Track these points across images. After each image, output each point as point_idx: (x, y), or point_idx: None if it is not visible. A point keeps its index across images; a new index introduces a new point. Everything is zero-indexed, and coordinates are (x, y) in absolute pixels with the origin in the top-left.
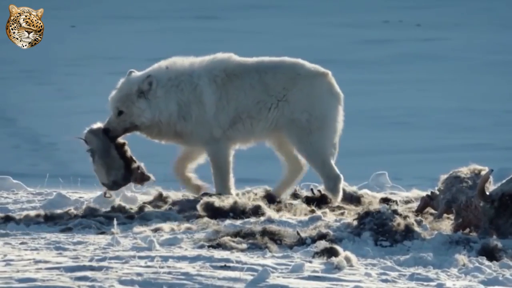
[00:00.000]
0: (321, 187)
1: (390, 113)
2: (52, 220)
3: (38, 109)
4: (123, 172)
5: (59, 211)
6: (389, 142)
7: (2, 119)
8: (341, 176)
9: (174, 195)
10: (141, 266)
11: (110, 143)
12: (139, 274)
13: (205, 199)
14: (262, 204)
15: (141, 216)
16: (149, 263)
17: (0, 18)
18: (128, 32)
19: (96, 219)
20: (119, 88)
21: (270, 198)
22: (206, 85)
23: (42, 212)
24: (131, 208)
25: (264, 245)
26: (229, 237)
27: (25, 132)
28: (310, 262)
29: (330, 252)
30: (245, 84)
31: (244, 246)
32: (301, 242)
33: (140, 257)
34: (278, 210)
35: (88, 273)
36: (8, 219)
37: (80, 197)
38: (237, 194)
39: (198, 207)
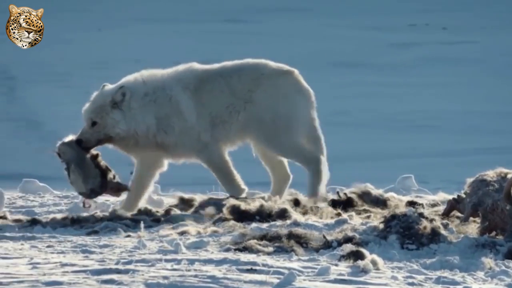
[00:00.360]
0: (347, 190)
1: (417, 116)
2: (79, 223)
3: (65, 112)
4: (99, 179)
5: (85, 214)
6: (415, 145)
7: (29, 122)
8: (320, 156)
9: (200, 198)
10: (167, 269)
11: (84, 153)
12: (165, 277)
13: (231, 202)
14: (288, 207)
15: (167, 219)
16: (176, 266)
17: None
18: (155, 35)
19: (122, 222)
20: (92, 100)
21: (296, 201)
22: (180, 94)
23: (68, 215)
24: (158, 211)
25: (290, 248)
26: (255, 240)
27: (51, 135)
28: (336, 265)
29: (356, 255)
30: (214, 90)
31: (270, 249)
32: (327, 245)
33: (167, 260)
34: (304, 213)
35: (114, 276)
36: (34, 222)
37: (106, 200)
38: (263, 197)
39: (224, 210)
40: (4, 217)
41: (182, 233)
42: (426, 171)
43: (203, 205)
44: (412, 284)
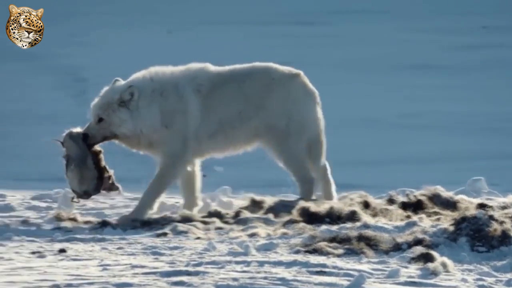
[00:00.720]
0: (417, 192)
1: (487, 118)
2: (149, 225)
3: None
4: (95, 182)
5: (155, 216)
6: (486, 147)
7: None
8: (315, 178)
9: (270, 200)
10: (237, 271)
11: (88, 152)
12: (235, 279)
13: (302, 204)
14: (358, 210)
15: (237, 221)
16: (245, 268)
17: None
18: (225, 38)
19: (192, 224)
20: (102, 95)
21: (366, 203)
22: (191, 95)
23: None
24: (227, 213)
25: (360, 251)
26: (325, 242)
27: None
28: (406, 267)
29: (426, 258)
30: (227, 95)
31: (340, 251)
32: (397, 248)
33: (236, 262)
34: (374, 216)
35: (184, 278)
36: (105, 224)
37: (176, 202)
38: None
39: (294, 212)
40: (74, 219)
41: (252, 235)
42: (497, 173)
43: (273, 207)
44: (482, 286)
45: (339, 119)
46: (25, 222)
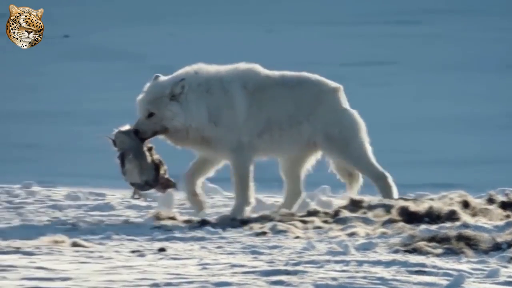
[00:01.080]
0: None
1: None
2: (248, 224)
3: None
4: (154, 173)
5: (254, 215)
6: None
7: None
8: (387, 173)
9: (369, 199)
10: (336, 271)
11: (141, 144)
12: (334, 279)
13: (400, 203)
14: (458, 209)
15: (336, 221)
16: (344, 268)
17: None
18: (323, 38)
19: (291, 223)
20: (148, 90)
21: (465, 203)
22: (237, 90)
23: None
24: (326, 213)
25: (459, 250)
26: (424, 242)
27: None
28: (506, 267)
29: None
30: (277, 97)
31: (440, 251)
32: (497, 247)
33: (335, 262)
34: (474, 215)
35: (283, 277)
36: (204, 223)
37: (276, 202)
38: (432, 199)
39: (393, 211)
40: (174, 218)
41: (351, 235)
42: None
43: (372, 206)
44: None
45: (441, 118)
46: (125, 221)
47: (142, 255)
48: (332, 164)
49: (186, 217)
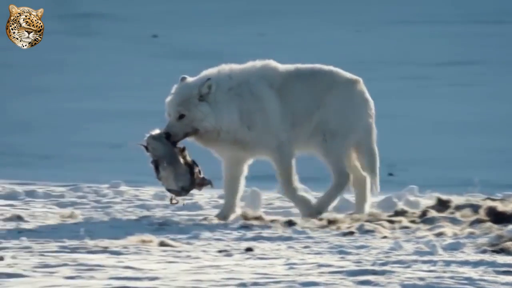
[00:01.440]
0: None
1: None
2: (335, 224)
3: None
4: (189, 177)
5: (341, 215)
6: None
7: None
8: (350, 176)
9: (457, 199)
10: (423, 271)
11: (174, 148)
12: (421, 279)
13: (488, 203)
14: None
15: (423, 220)
16: (432, 268)
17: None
18: (413, 37)
19: (378, 223)
20: (177, 92)
21: None
22: (266, 91)
23: (325, 216)
24: (414, 213)
25: None
26: None
27: None
28: None
29: None
30: (297, 90)
31: None
32: None
33: (423, 262)
34: None
35: (370, 277)
36: (290, 223)
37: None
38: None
39: (481, 211)
40: (260, 218)
41: (439, 235)
42: None
43: (460, 206)
44: None
45: None
46: (211, 220)
47: (230, 255)
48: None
49: (273, 217)
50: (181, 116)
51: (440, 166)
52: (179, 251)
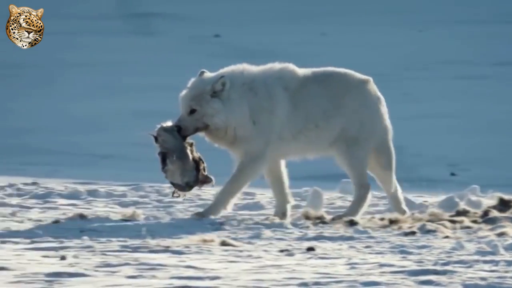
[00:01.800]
0: None
1: None
2: (397, 224)
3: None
4: (195, 173)
5: (405, 216)
6: None
7: None
8: (370, 185)
9: None
10: (485, 271)
11: (184, 143)
12: (483, 279)
13: None
14: None
15: (485, 220)
16: (494, 268)
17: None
18: (474, 37)
19: (440, 223)
20: (191, 86)
21: None
22: (280, 93)
23: (387, 215)
24: (476, 213)
25: None
26: None
27: None
28: None
29: None
30: (313, 94)
31: None
32: None
33: (485, 262)
34: None
35: (432, 277)
36: (352, 223)
37: (425, 201)
38: None
39: None
40: (322, 217)
41: (500, 234)
42: None
43: None
44: None
45: None
46: (273, 220)
47: (291, 254)
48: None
49: (334, 216)
50: (193, 111)
51: (502, 166)
52: (241, 251)
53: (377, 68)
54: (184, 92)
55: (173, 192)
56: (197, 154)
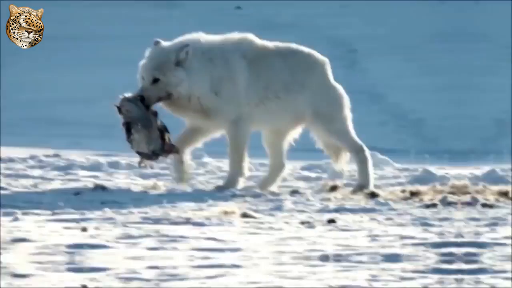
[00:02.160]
0: None
1: None
2: (418, 196)
3: (407, 85)
4: (160, 141)
5: (424, 187)
6: None
7: (371, 95)
8: (364, 146)
9: None
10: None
11: (148, 112)
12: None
13: None
14: None
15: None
16: None
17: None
18: (504, 11)
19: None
20: (151, 56)
21: None
22: (238, 61)
23: (407, 187)
24: None
25: None
26: None
27: (393, 108)
28: None
29: None
30: (273, 64)
31: None
32: None
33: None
34: None
35: (453, 250)
36: (373, 195)
37: (446, 173)
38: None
39: None
40: (343, 190)
41: None
42: None
43: None
44: None
45: None
46: (294, 192)
47: (312, 226)
48: (318, 140)
49: (354, 188)
50: (156, 80)
51: None
52: (262, 223)
53: (403, 41)
54: (144, 61)
55: (140, 162)
56: (161, 123)
